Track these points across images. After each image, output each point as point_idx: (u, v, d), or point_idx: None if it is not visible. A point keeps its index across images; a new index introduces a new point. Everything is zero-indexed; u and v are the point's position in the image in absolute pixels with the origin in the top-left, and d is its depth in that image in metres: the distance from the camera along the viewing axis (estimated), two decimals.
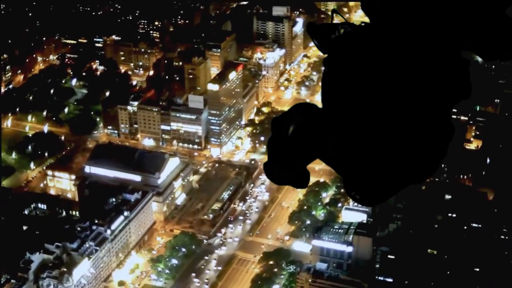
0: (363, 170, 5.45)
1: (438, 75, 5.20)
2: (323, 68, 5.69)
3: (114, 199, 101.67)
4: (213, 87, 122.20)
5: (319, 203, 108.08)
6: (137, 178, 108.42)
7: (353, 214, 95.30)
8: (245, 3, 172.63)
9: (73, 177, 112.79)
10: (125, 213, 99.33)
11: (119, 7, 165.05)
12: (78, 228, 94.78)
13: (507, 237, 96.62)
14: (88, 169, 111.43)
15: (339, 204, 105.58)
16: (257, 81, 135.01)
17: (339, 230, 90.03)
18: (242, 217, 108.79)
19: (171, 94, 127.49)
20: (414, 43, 5.19)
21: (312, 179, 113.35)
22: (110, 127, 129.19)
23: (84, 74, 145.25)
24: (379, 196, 5.59)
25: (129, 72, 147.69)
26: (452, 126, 5.41)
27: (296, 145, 5.75)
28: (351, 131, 5.37)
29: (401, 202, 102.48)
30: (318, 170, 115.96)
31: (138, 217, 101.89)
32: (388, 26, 5.25)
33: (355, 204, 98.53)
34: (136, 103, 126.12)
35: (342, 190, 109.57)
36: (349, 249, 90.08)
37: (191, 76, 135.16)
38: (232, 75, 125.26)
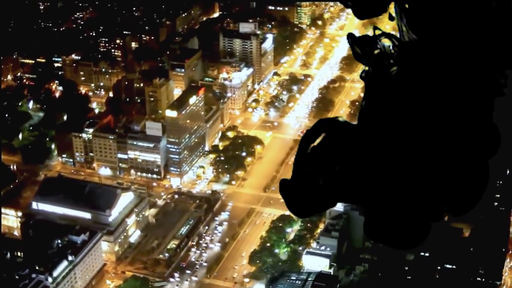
0: (404, 205, 5.07)
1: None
2: (364, 83, 5.35)
3: (59, 241, 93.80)
4: (171, 113, 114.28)
5: (283, 240, 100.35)
6: (87, 215, 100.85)
7: (315, 259, 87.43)
8: (216, 15, 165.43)
9: (20, 213, 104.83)
10: (70, 258, 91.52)
11: (81, 23, 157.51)
12: (17, 277, 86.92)
13: (483, 279, 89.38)
14: (35, 205, 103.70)
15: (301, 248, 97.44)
16: (221, 104, 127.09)
17: (296, 282, 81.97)
18: (199, 256, 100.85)
19: (128, 120, 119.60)
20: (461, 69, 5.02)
21: (277, 212, 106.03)
22: (64, 155, 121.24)
23: (42, 96, 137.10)
24: (416, 237, 5.17)
25: (90, 93, 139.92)
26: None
27: (314, 164, 5.29)
28: (397, 155, 5.06)
29: (369, 241, 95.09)
30: (283, 202, 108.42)
31: (85, 261, 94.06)
32: (436, 45, 5.02)
33: (318, 246, 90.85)
34: (91, 130, 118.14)
35: (309, 225, 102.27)
36: None
37: (152, 99, 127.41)
38: (193, 100, 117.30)
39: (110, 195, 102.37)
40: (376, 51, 5.23)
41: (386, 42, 5.23)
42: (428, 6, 4.95)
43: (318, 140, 5.37)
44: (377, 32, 5.36)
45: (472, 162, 5.06)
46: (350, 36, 5.36)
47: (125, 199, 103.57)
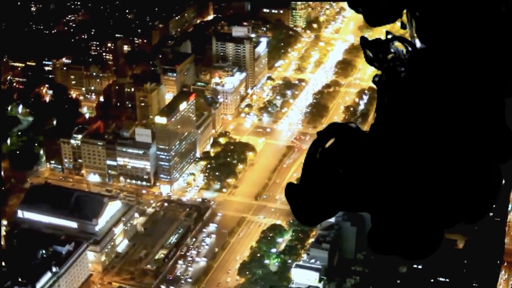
0: (417, 213, 5.02)
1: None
2: (377, 88, 5.30)
3: (44, 251, 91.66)
4: (161, 120, 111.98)
5: (274, 250, 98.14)
6: (73, 224, 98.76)
7: (304, 273, 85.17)
8: (210, 18, 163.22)
9: (5, 222, 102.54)
10: (54, 269, 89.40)
11: (73, 25, 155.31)
12: None
13: None
14: (21, 213, 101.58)
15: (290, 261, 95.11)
16: (213, 110, 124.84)
17: None
18: (188, 267, 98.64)
19: (118, 125, 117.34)
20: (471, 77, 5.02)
21: (268, 221, 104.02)
22: (53, 162, 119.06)
23: (31, 100, 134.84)
24: (430, 246, 5.16)
25: (81, 97, 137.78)
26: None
27: (323, 168, 5.19)
28: (413, 163, 5.02)
29: (361, 252, 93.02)
30: (274, 210, 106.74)
31: (70, 272, 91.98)
32: (445, 52, 5.03)
33: (308, 259, 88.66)
34: (80, 136, 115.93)
35: (300, 235, 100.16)
36: None
37: (143, 104, 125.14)
38: (183, 106, 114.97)
39: (97, 204, 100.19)
40: (389, 56, 5.16)
41: (399, 46, 5.17)
42: (437, 14, 4.96)
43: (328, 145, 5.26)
44: (389, 36, 5.33)
45: (484, 166, 5.04)
46: (363, 40, 5.32)
47: (113, 207, 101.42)
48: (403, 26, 5.16)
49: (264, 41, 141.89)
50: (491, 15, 4.92)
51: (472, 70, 4.94)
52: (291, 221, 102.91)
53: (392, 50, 5.18)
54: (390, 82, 5.12)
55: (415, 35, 5.08)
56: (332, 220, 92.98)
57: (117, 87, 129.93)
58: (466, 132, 4.96)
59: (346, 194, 5.20)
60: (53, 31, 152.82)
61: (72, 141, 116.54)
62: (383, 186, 5.04)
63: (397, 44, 5.19)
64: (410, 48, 5.14)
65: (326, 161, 5.19)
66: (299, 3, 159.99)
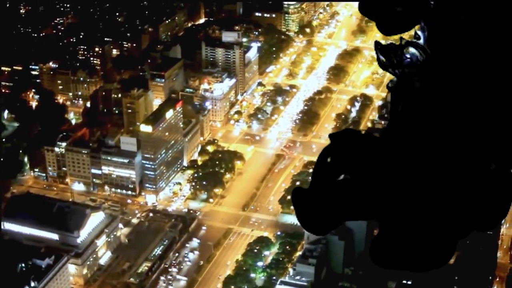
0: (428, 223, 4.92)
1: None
2: (391, 94, 5.23)
3: (23, 265, 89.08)
4: (146, 128, 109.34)
5: (260, 263, 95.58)
6: (54, 236, 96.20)
7: None
8: (202, 21, 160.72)
9: None
10: (32, 283, 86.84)
11: (62, 28, 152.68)
12: None
13: None
14: (1, 224, 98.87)
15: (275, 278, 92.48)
16: (201, 117, 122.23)
17: None
18: (172, 280, 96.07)
19: (103, 133, 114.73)
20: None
21: (255, 233, 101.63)
22: (37, 170, 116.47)
23: (17, 105, 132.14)
24: (442, 256, 5.04)
25: (68, 103, 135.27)
26: None
27: (332, 174, 5.10)
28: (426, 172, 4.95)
29: (349, 267, 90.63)
30: (261, 222, 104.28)
31: (49, 286, 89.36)
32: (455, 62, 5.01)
33: (293, 275, 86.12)
34: (64, 144, 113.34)
35: (288, 247, 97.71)
36: None
37: (130, 111, 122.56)
38: (170, 114, 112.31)
39: (79, 215, 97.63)
40: (404, 61, 5.07)
41: (414, 52, 5.07)
42: (448, 26, 4.93)
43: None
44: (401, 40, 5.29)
45: (498, 174, 4.98)
46: (377, 44, 5.18)
47: (95, 218, 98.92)
48: (416, 36, 5.07)
49: (255, 46, 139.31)
50: (504, 27, 4.87)
51: (485, 79, 4.87)
52: (279, 233, 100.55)
53: (407, 56, 5.04)
54: (405, 89, 5.02)
55: (426, 44, 5.01)
56: None
57: (104, 93, 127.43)
58: (480, 140, 4.90)
59: (356, 200, 5.02)
60: (41, 34, 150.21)
61: (56, 149, 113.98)
62: (394, 193, 4.90)
63: (411, 49, 5.05)
64: (424, 55, 5.01)
65: (337, 166, 5.07)
66: (291, 7, 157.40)
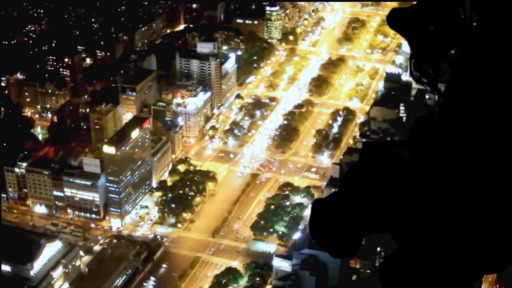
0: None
1: None
2: (428, 111, 4.75)
3: None
4: (109, 149, 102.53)
5: None
6: (6, 268, 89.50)
7: None
8: (181, 27, 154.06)
9: None
10: None
11: (33, 36, 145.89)
12: None
13: None
14: None
15: None
16: (173, 133, 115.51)
17: None
18: None
19: (65, 153, 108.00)
20: None
21: (224, 262, 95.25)
22: None
23: None
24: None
25: (36, 116, 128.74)
26: None
27: (360, 187, 4.77)
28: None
29: None
30: (231, 249, 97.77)
31: None
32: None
33: None
34: (25, 164, 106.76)
35: (258, 280, 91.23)
36: None
37: (97, 127, 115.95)
38: (136, 133, 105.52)
39: (33, 246, 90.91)
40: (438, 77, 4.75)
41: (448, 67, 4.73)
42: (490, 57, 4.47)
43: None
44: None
45: None
46: (412, 58, 4.81)
47: (51, 249, 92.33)
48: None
49: (233, 56, 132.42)
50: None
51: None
52: (249, 262, 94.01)
53: (443, 69, 4.72)
54: (446, 109, 4.64)
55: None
56: (289, 269, 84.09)
57: (71, 107, 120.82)
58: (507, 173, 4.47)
59: (378, 214, 4.64)
60: (12, 42, 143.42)
61: (17, 169, 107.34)
62: (420, 216, 4.54)
63: (445, 64, 4.71)
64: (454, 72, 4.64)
65: (365, 179, 4.72)
66: (274, 13, 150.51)
